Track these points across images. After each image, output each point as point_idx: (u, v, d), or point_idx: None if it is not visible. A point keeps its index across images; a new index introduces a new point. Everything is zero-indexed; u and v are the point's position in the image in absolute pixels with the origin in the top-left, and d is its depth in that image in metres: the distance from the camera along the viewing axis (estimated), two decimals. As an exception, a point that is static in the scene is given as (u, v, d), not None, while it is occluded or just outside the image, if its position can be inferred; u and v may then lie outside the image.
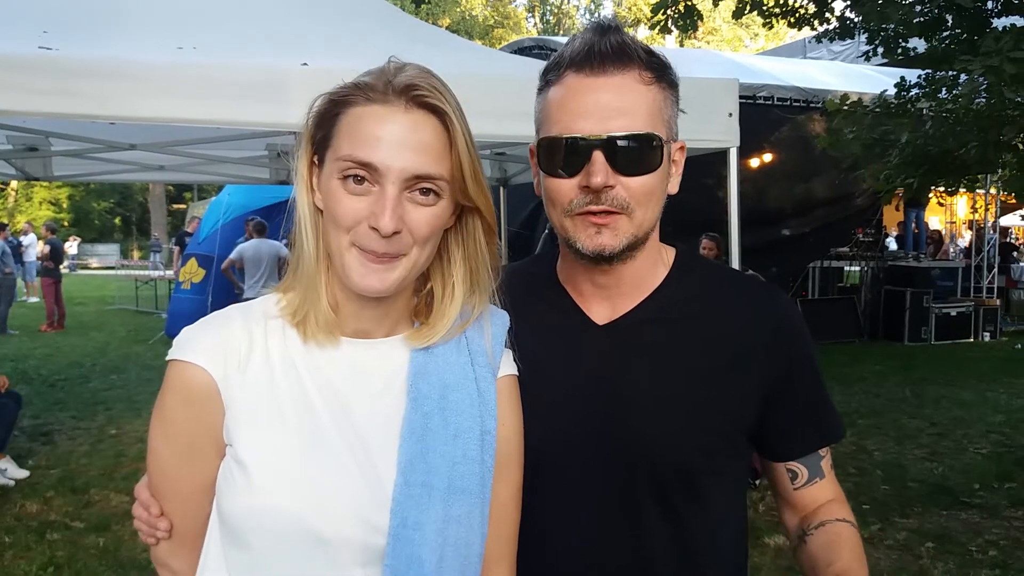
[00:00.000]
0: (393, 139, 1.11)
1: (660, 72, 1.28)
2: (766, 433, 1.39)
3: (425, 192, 1.13)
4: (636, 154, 1.24)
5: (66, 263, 30.26)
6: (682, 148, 1.36)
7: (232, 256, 10.19)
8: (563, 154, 1.25)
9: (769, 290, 1.46)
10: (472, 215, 1.25)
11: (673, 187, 1.35)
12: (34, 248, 19.93)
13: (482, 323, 1.29)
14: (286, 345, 1.21)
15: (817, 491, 1.44)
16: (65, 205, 39.27)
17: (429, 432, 1.19)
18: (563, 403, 1.34)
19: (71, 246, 36.48)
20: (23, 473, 6.33)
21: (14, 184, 34.17)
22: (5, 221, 24.26)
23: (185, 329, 1.23)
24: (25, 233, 21.94)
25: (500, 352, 1.30)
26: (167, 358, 1.20)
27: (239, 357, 1.19)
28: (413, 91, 1.13)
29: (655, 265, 1.40)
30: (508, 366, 1.31)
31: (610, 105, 1.23)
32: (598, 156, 1.22)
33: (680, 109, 1.34)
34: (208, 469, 1.20)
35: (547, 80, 1.32)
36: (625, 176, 1.24)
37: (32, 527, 5.37)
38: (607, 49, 1.24)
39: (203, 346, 1.19)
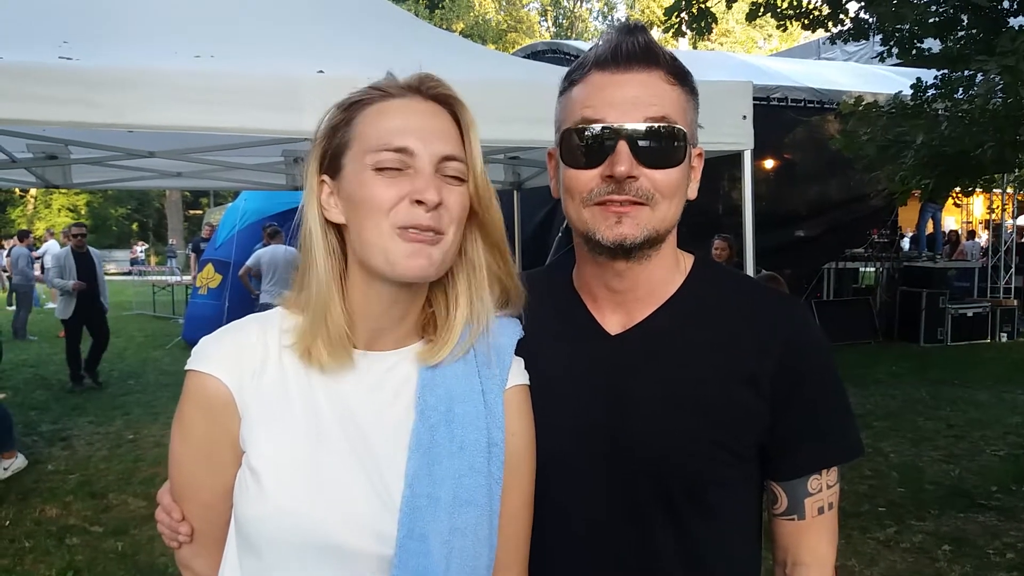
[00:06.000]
0: (419, 125, 1.17)
1: (682, 78, 1.29)
2: (765, 448, 1.35)
3: (451, 176, 1.18)
4: (660, 147, 1.24)
5: (128, 269, 29.99)
6: (700, 155, 1.37)
7: (248, 263, 10.26)
8: (587, 144, 1.26)
9: (786, 302, 1.43)
10: (473, 227, 1.26)
11: (692, 192, 1.35)
12: (52, 255, 20.06)
13: (491, 335, 1.30)
14: (299, 357, 1.23)
15: (793, 531, 1.38)
16: (83, 211, 39.56)
17: (435, 445, 1.20)
18: (572, 413, 1.34)
19: (139, 251, 36.04)
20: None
21: (33, 191, 34.45)
22: (25, 227, 24.47)
23: (203, 339, 1.26)
24: (45, 240, 22.11)
25: (509, 363, 1.31)
26: (186, 368, 1.23)
27: (254, 367, 1.22)
28: (425, 84, 1.21)
29: (671, 271, 1.39)
30: (518, 376, 1.32)
31: (636, 98, 1.24)
32: (623, 146, 1.23)
33: (698, 124, 1.35)
34: (227, 476, 1.22)
35: (571, 80, 1.33)
36: (649, 168, 1.24)
37: (51, 531, 5.43)
38: (634, 48, 1.26)
39: (219, 356, 1.22)
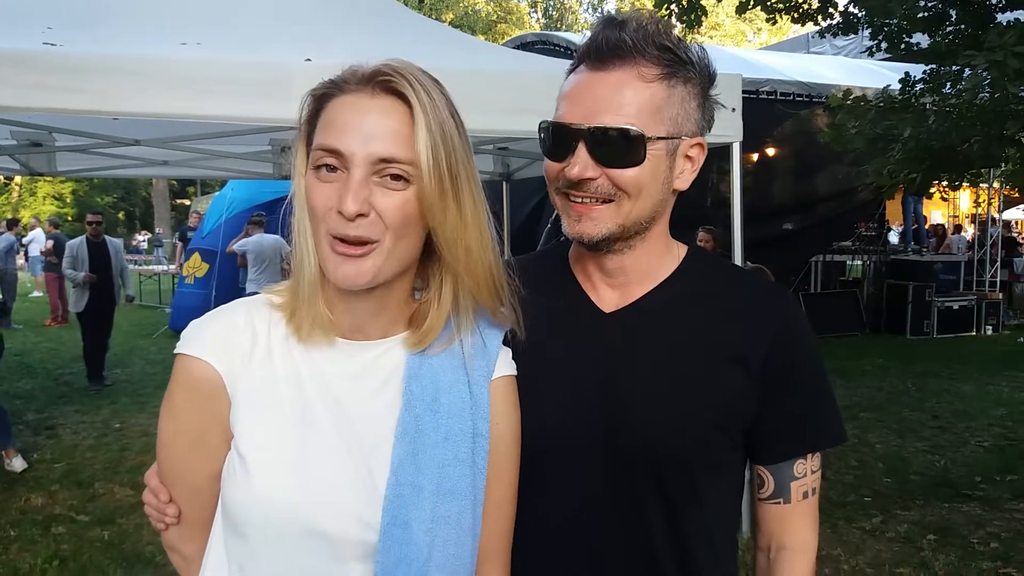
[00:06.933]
0: (358, 124, 1.12)
1: (672, 68, 1.27)
2: (753, 433, 1.37)
3: (395, 177, 1.13)
4: (616, 148, 1.25)
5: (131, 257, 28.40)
6: (698, 145, 1.35)
7: (236, 248, 10.26)
8: (552, 140, 1.30)
9: (775, 290, 1.47)
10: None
11: (683, 184, 1.35)
12: (39, 243, 19.91)
13: (479, 325, 1.29)
14: (287, 342, 1.23)
15: (778, 515, 1.40)
16: (69, 200, 39.17)
17: (420, 434, 1.20)
18: (566, 391, 1.35)
19: (142, 240, 33.79)
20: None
21: (18, 179, 34.14)
22: (11, 216, 24.26)
23: (192, 323, 1.25)
24: (32, 228, 21.92)
25: (496, 353, 1.30)
26: (175, 352, 1.22)
27: (243, 350, 1.21)
28: (378, 77, 1.14)
29: (662, 256, 1.41)
30: (505, 367, 1.31)
31: (601, 99, 1.25)
32: (580, 147, 1.25)
33: (719, 103, 1.36)
34: (216, 460, 1.22)
35: (569, 70, 1.35)
36: (609, 168, 1.26)
37: (37, 520, 5.41)
38: (605, 45, 1.26)
39: (208, 340, 1.21)
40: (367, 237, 1.12)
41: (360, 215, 1.10)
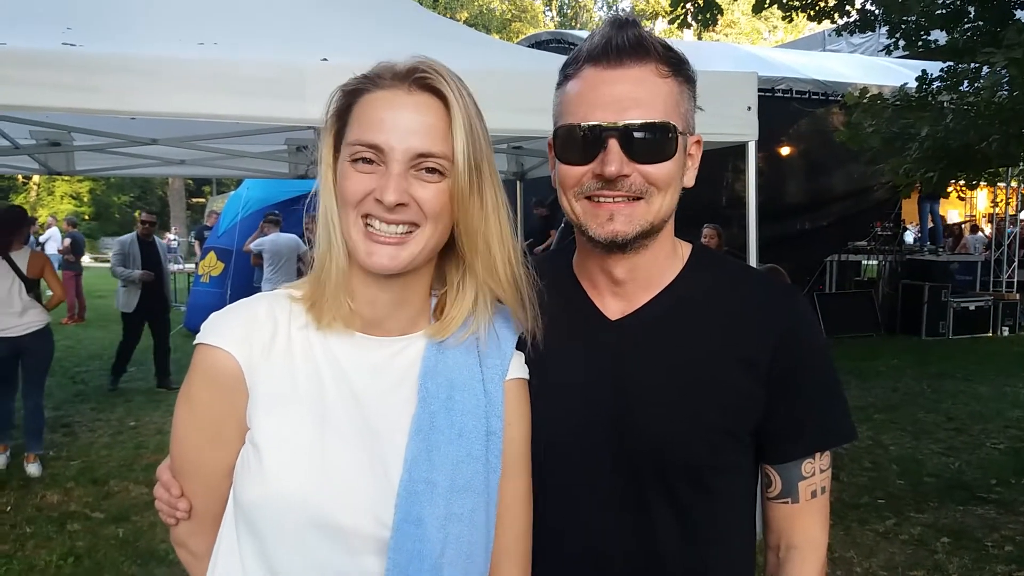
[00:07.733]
0: (397, 120, 1.15)
1: (677, 67, 1.29)
2: (761, 433, 1.37)
3: (431, 171, 1.17)
4: (652, 143, 1.25)
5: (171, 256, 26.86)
6: (698, 142, 1.38)
7: (252, 247, 10.29)
8: (579, 142, 1.28)
9: (783, 291, 1.45)
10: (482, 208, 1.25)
11: (689, 180, 1.37)
12: (55, 241, 20.02)
13: (496, 323, 1.30)
14: (307, 336, 1.24)
15: (787, 514, 1.39)
16: (86, 199, 39.45)
17: (435, 430, 1.21)
18: (574, 399, 1.35)
19: (173, 240, 31.64)
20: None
21: (36, 178, 34.36)
22: (29, 215, 24.42)
23: (213, 314, 1.26)
24: (48, 227, 22.06)
25: (510, 354, 1.31)
26: (195, 342, 1.23)
27: (263, 343, 1.22)
28: (415, 74, 1.18)
29: (669, 258, 1.41)
30: (518, 369, 1.33)
31: (627, 96, 1.25)
32: (613, 145, 1.24)
33: (698, 107, 1.36)
34: (230, 453, 1.23)
35: (566, 75, 1.34)
36: (641, 164, 1.25)
37: (53, 518, 5.45)
38: (624, 43, 1.26)
39: (230, 331, 1.22)
40: (408, 220, 1.16)
41: (400, 205, 1.14)
